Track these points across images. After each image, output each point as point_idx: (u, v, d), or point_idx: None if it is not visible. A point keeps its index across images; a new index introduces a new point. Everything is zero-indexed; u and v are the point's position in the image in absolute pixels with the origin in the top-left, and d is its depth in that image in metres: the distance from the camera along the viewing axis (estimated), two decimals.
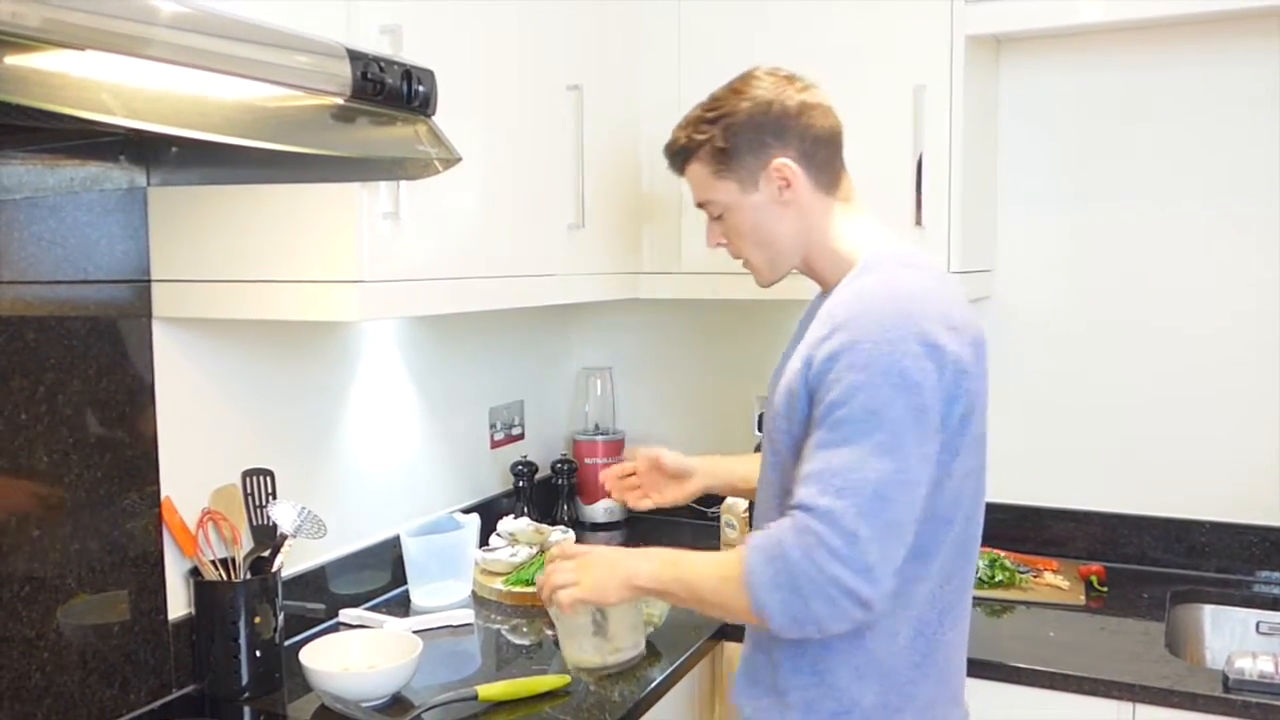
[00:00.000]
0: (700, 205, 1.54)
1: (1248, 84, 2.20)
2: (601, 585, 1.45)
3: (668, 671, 1.78)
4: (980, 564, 2.21)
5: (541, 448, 2.71)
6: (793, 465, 1.37)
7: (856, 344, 1.28)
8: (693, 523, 2.66)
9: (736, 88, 1.48)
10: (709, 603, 1.39)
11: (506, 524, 2.31)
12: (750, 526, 2.26)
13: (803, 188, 1.46)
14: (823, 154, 1.47)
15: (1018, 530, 2.43)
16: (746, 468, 1.75)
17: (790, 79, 1.49)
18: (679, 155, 1.53)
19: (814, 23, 2.16)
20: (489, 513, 2.38)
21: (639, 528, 2.67)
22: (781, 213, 1.47)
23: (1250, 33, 2.19)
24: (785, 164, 1.44)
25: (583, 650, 1.61)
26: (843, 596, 1.24)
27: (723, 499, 2.44)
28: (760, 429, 1.95)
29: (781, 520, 1.30)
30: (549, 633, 1.92)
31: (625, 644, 1.63)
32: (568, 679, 1.70)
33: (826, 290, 1.51)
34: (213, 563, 1.69)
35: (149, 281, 1.62)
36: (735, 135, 1.45)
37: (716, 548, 2.43)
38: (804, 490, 1.28)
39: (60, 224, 1.48)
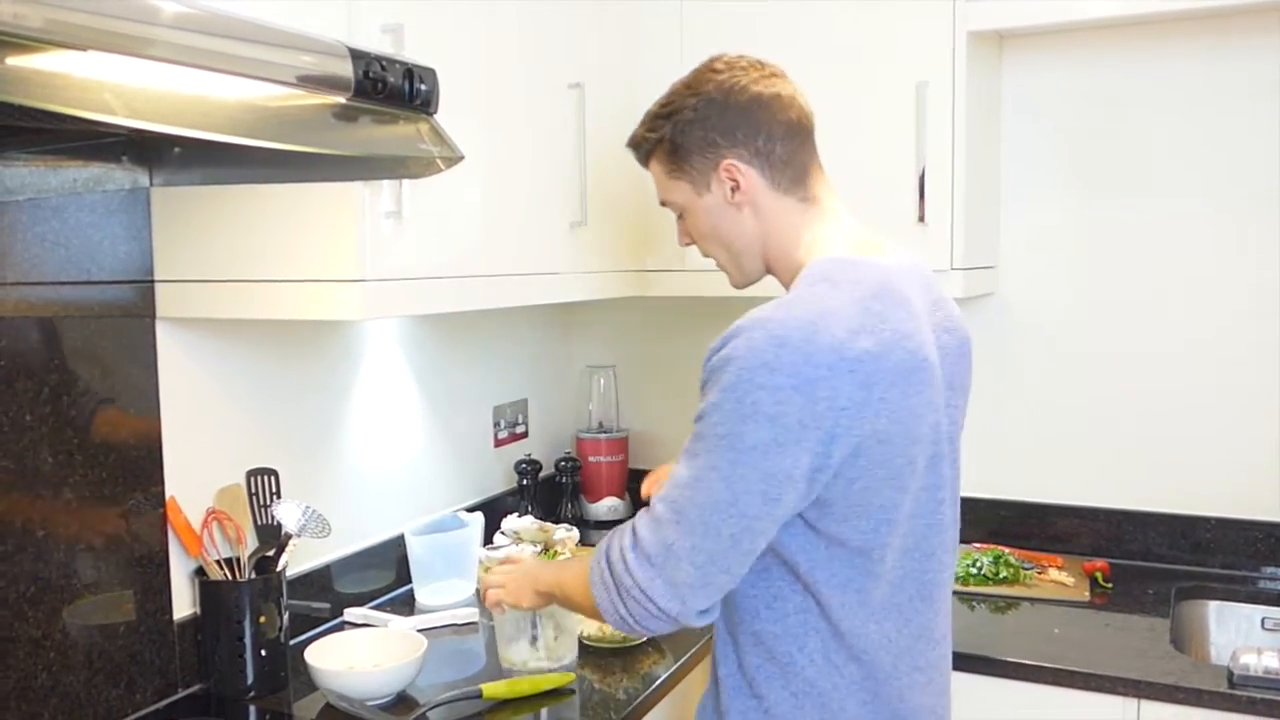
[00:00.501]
0: (663, 204, 1.48)
1: (1250, 79, 2.20)
2: (518, 592, 1.53)
3: (672, 669, 1.78)
4: (984, 560, 2.21)
5: (545, 446, 2.71)
6: None
7: (726, 364, 1.21)
8: None
9: (689, 81, 1.40)
10: (578, 605, 1.40)
11: (511, 522, 2.31)
12: None
13: (757, 188, 1.37)
14: (782, 150, 1.36)
15: (1022, 526, 2.43)
16: None
17: (749, 68, 1.38)
18: (637, 152, 1.48)
19: (816, 20, 2.16)
20: (493, 511, 2.38)
21: None
22: (736, 214, 1.39)
23: (1253, 28, 2.18)
24: (733, 164, 1.36)
25: (516, 653, 1.75)
26: (648, 603, 1.24)
27: None
28: None
29: (629, 520, 1.31)
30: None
31: (557, 653, 1.76)
32: (572, 676, 1.71)
33: None
34: (218, 562, 1.70)
35: (152, 282, 1.62)
36: (684, 134, 1.37)
37: None
38: (658, 491, 1.28)
39: (63, 225, 1.49)
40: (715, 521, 1.21)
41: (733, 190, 1.37)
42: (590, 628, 1.85)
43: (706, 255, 1.49)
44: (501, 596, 1.55)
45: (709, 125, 1.36)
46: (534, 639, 1.73)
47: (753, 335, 1.21)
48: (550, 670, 1.73)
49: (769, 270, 1.44)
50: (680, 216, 1.47)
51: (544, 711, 1.64)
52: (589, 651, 1.84)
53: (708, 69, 1.40)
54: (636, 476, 2.73)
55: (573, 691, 1.69)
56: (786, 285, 1.39)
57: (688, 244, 1.51)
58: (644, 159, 1.48)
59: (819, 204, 1.40)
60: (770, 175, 1.37)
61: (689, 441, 1.25)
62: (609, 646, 1.85)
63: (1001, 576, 2.18)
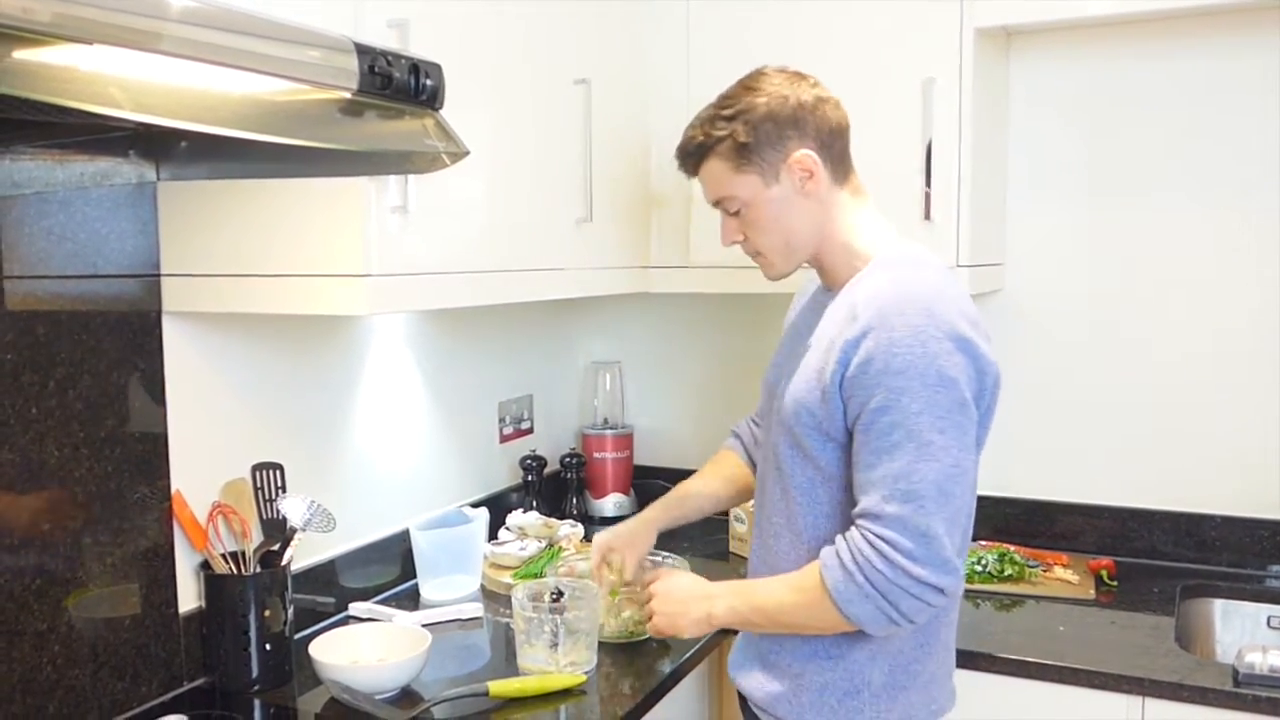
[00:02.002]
0: (717, 203, 1.54)
1: (1260, 76, 2.19)
2: (674, 621, 1.56)
3: (678, 663, 1.78)
4: (989, 558, 2.21)
5: (550, 442, 2.72)
6: (821, 460, 1.44)
7: (892, 349, 1.33)
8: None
9: (749, 85, 1.50)
10: (792, 624, 1.47)
11: (515, 518, 2.31)
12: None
13: (822, 180, 1.48)
14: (837, 146, 1.50)
15: (1027, 524, 2.43)
16: (688, 506, 1.84)
17: (800, 75, 1.51)
18: (695, 153, 1.53)
19: (823, 16, 2.15)
20: (498, 507, 2.38)
21: None
22: (802, 205, 1.49)
23: (1263, 24, 2.17)
24: (808, 154, 1.46)
25: (535, 658, 1.73)
26: (927, 592, 1.34)
27: None
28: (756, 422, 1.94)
29: (851, 532, 1.38)
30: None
31: (577, 657, 1.74)
32: (583, 678, 1.70)
33: (832, 285, 1.53)
34: (223, 556, 1.70)
35: (159, 276, 1.62)
36: (756, 129, 1.46)
37: (726, 541, 2.44)
38: (868, 499, 1.36)
39: (70, 219, 1.49)
40: (950, 488, 1.34)
41: (803, 180, 1.48)
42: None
43: (753, 251, 1.56)
44: (659, 626, 1.58)
45: (780, 120, 1.46)
46: (554, 644, 1.72)
47: (905, 315, 1.34)
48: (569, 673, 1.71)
49: (815, 260, 1.54)
50: (735, 213, 1.53)
51: (550, 711, 1.63)
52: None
53: (761, 75, 1.51)
54: (642, 473, 2.75)
55: (584, 693, 1.68)
56: (840, 273, 1.51)
57: (737, 241, 1.56)
58: (699, 159, 1.52)
59: (863, 196, 1.55)
60: (830, 169, 1.50)
61: (875, 438, 1.35)
62: (614, 641, 1.85)
63: (1007, 574, 2.18)
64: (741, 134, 1.47)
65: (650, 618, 1.59)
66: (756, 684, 1.56)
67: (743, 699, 1.64)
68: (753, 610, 1.49)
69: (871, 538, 1.35)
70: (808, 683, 1.49)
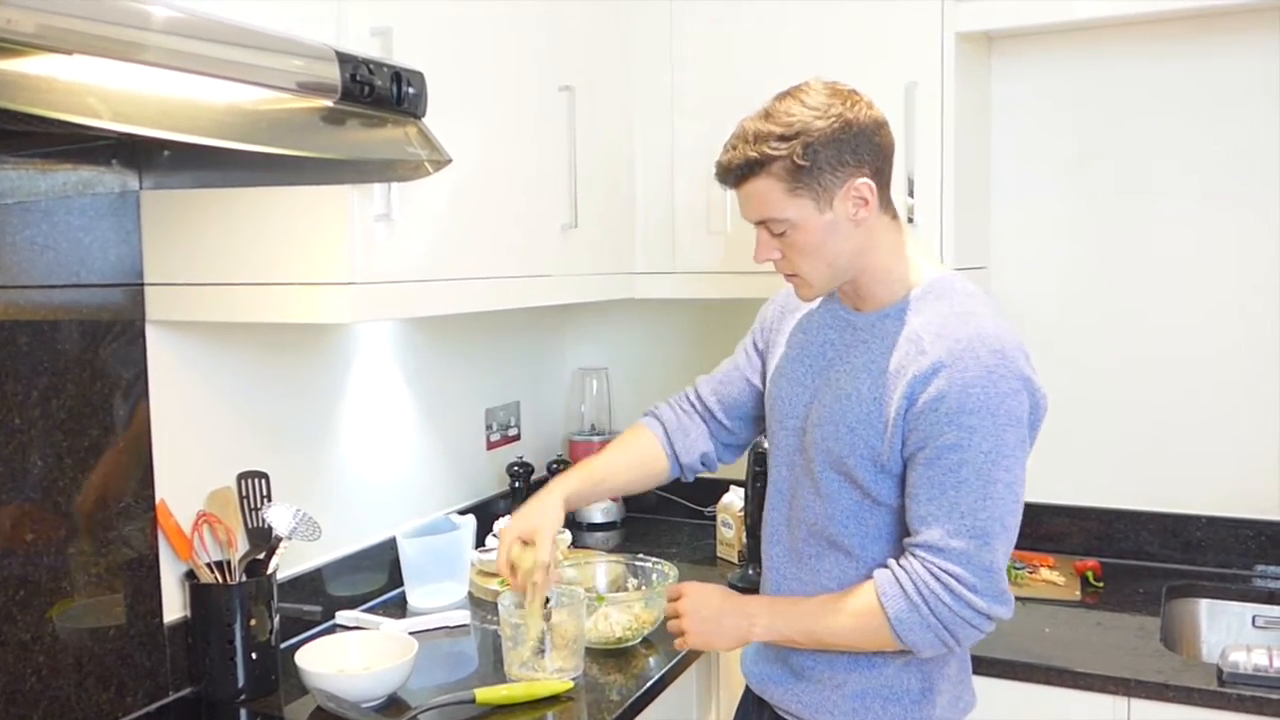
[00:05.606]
0: (760, 222, 1.45)
1: (1243, 77, 2.21)
2: (707, 638, 1.57)
3: (665, 669, 1.78)
4: None
5: (537, 449, 2.71)
6: (870, 488, 1.44)
7: (967, 389, 1.35)
8: (689, 522, 2.67)
9: (805, 102, 1.39)
10: (837, 645, 1.48)
11: (503, 525, 2.31)
12: (747, 525, 2.26)
13: (874, 208, 1.42)
14: (888, 172, 1.45)
15: None
16: (600, 490, 1.80)
17: (855, 94, 1.42)
18: (743, 170, 1.41)
19: (805, 21, 2.16)
20: (485, 514, 2.38)
21: (635, 527, 2.67)
22: (851, 231, 1.42)
23: (1246, 26, 2.19)
24: (866, 184, 1.40)
25: (522, 665, 1.72)
26: (985, 622, 1.39)
27: (717, 500, 2.45)
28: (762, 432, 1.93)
29: (910, 563, 1.40)
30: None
31: (564, 665, 1.73)
32: (571, 685, 1.69)
33: (862, 307, 1.50)
34: (208, 565, 1.69)
35: (142, 285, 1.62)
36: (816, 153, 1.37)
37: (713, 545, 2.44)
38: (931, 532, 1.38)
39: (53, 228, 1.49)
40: (1011, 523, 1.40)
41: (857, 209, 1.42)
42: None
43: (790, 270, 1.48)
44: (689, 643, 1.56)
45: (842, 146, 1.39)
46: (541, 651, 1.71)
47: (978, 354, 1.36)
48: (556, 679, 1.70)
49: (851, 282, 1.49)
50: (779, 234, 1.44)
51: (537, 718, 1.62)
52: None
53: (810, 90, 1.41)
54: None
55: (571, 699, 1.68)
56: (879, 298, 1.49)
57: (772, 259, 1.47)
58: (746, 176, 1.42)
59: (900, 218, 1.50)
60: (880, 196, 1.44)
61: (941, 473, 1.37)
62: (601, 648, 1.85)
63: None
64: (800, 156, 1.37)
65: (681, 633, 1.56)
66: (790, 693, 1.55)
67: (755, 705, 1.64)
68: (797, 631, 1.49)
69: (937, 571, 1.37)
70: (849, 690, 1.49)
